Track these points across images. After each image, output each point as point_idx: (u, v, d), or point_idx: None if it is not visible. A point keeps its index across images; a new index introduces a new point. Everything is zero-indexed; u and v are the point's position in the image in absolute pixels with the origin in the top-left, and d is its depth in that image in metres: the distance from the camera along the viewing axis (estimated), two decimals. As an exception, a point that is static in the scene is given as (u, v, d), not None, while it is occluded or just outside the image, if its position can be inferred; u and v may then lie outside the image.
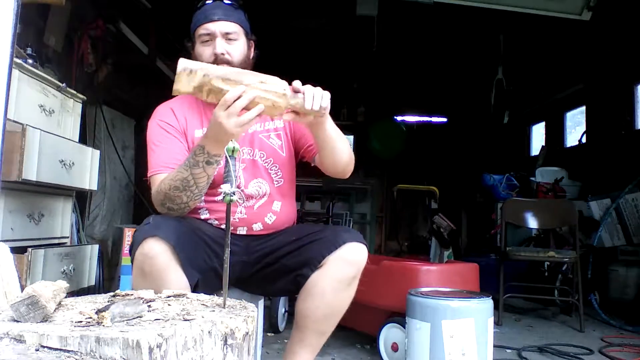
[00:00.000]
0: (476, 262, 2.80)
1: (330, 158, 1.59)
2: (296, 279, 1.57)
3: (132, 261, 1.42)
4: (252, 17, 1.71)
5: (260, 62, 1.75)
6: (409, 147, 7.40)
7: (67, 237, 2.34)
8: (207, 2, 1.65)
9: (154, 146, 1.61)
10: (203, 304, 1.04)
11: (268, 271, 1.64)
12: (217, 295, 1.15)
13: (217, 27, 1.61)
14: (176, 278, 1.36)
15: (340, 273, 1.51)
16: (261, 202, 1.67)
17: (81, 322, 0.85)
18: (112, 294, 1.08)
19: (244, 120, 1.33)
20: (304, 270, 1.55)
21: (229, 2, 1.65)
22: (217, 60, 1.58)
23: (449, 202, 6.04)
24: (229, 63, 1.58)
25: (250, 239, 1.66)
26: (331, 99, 1.42)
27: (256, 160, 1.68)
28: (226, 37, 1.62)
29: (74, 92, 2.35)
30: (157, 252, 1.35)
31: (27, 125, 1.84)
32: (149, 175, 1.59)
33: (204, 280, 1.48)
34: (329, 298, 1.52)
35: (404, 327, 2.19)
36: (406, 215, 7.55)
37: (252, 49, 1.73)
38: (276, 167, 1.70)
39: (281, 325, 2.98)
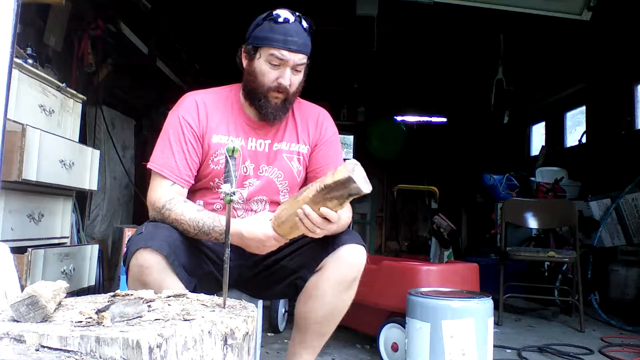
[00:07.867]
0: (476, 262, 2.80)
1: None
2: (294, 282, 1.58)
3: (126, 271, 1.42)
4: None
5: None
6: (409, 147, 7.39)
7: (67, 237, 2.34)
8: (287, 19, 1.53)
9: (168, 142, 1.58)
10: (203, 304, 1.04)
11: (266, 274, 1.64)
12: (217, 296, 1.15)
13: (293, 57, 1.53)
14: (173, 286, 1.36)
15: (340, 275, 1.51)
16: (266, 207, 1.66)
17: (81, 322, 0.85)
18: (112, 294, 1.08)
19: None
20: (302, 272, 1.55)
21: (307, 25, 1.56)
22: (279, 88, 1.55)
23: (449, 202, 6.05)
24: (286, 93, 1.56)
25: None
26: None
27: (272, 180, 1.65)
28: (295, 68, 1.56)
29: (74, 92, 2.35)
30: (151, 263, 1.36)
31: (27, 125, 1.84)
32: (152, 167, 1.57)
33: (202, 285, 1.48)
34: (329, 300, 1.53)
35: (404, 327, 2.19)
36: (406, 215, 7.55)
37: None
38: (288, 189, 1.68)
39: (281, 325, 2.98)
